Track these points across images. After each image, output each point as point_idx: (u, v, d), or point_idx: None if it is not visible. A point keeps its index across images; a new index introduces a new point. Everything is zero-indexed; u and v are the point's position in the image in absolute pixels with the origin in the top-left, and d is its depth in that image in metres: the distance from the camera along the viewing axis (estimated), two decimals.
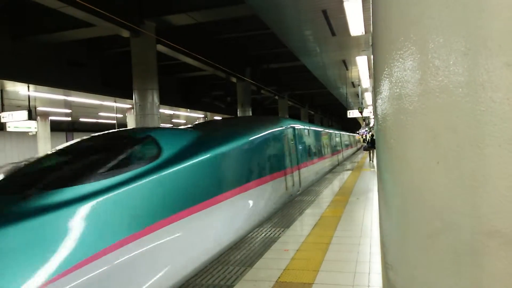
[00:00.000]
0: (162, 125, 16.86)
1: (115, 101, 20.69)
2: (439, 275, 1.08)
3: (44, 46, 14.45)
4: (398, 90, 1.20)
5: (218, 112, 30.39)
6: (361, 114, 25.97)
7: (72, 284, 3.16)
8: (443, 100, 1.06)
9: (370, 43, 12.16)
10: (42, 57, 14.46)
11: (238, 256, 5.42)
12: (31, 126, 17.25)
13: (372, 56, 1.47)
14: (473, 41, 1.01)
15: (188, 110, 26.42)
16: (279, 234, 6.52)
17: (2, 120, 15.98)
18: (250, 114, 22.66)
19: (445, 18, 1.06)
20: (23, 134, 28.19)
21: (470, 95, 1.02)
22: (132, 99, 13.05)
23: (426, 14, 1.09)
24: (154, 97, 12.93)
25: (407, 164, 1.17)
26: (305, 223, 7.31)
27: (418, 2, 1.11)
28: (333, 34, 11.72)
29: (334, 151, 19.75)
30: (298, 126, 11.32)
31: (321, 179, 14.59)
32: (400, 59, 1.18)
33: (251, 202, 6.71)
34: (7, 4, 12.66)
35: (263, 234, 6.55)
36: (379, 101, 1.35)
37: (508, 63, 0.98)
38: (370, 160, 22.58)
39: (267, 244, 5.97)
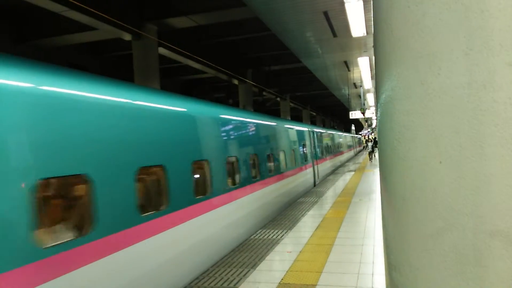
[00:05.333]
0: None
1: None
2: (442, 275, 1.08)
3: (46, 49, 14.51)
4: (400, 91, 1.20)
5: None
6: (363, 115, 25.99)
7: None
8: (445, 101, 1.06)
9: (372, 45, 12.14)
10: (43, 60, 14.50)
11: (241, 258, 5.42)
12: None
13: (373, 57, 1.48)
14: (474, 41, 1.02)
15: None
16: (281, 236, 6.52)
17: None
18: None
19: (446, 19, 1.06)
20: None
21: (472, 95, 1.02)
22: None
23: (428, 15, 1.10)
24: None
25: (410, 164, 1.17)
26: (307, 225, 7.31)
27: (419, 2, 1.11)
28: (335, 35, 11.73)
29: (360, 144, 52.03)
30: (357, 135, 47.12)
31: (325, 180, 14.85)
32: (402, 60, 1.18)
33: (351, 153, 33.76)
34: (10, 8, 12.72)
35: (266, 236, 6.55)
36: (381, 102, 1.36)
37: (509, 62, 0.98)
38: (370, 160, 23.88)
39: (270, 246, 5.96)
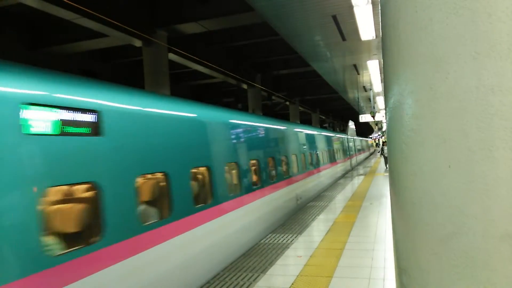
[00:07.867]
0: None
1: None
2: (452, 279, 1.08)
3: (58, 56, 14.76)
4: (408, 95, 1.20)
5: None
6: (373, 119, 25.84)
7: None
8: (453, 104, 1.07)
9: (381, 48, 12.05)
10: (56, 67, 14.74)
11: (251, 262, 5.42)
12: None
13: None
14: (482, 45, 1.02)
15: None
16: (291, 240, 6.50)
17: None
18: None
19: (453, 23, 1.06)
20: None
21: (480, 99, 1.02)
22: None
23: (435, 19, 1.10)
24: None
25: (419, 168, 1.17)
26: (318, 229, 7.28)
27: (426, 7, 1.12)
28: (344, 39, 11.71)
29: (365, 149, 46.46)
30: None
31: (335, 184, 14.78)
32: (410, 65, 1.19)
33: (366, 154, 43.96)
34: (23, 16, 12.98)
35: (276, 241, 6.54)
36: (389, 106, 1.36)
37: None
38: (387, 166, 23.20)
39: (280, 250, 5.96)
